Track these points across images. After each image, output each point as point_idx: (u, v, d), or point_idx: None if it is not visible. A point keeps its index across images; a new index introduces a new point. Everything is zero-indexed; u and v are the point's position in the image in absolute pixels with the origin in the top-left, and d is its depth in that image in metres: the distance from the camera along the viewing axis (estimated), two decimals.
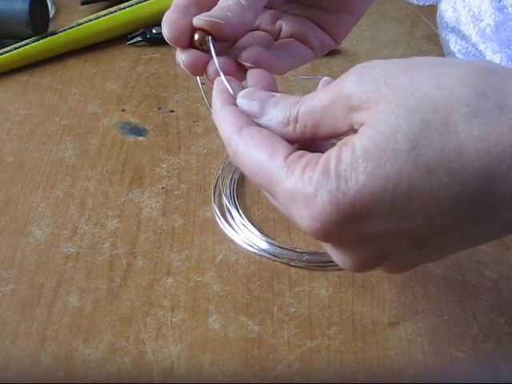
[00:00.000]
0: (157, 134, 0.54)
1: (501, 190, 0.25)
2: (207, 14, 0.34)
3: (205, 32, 0.34)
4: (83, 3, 0.71)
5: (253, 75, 0.34)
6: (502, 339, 0.38)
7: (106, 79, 0.60)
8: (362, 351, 0.38)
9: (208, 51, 0.34)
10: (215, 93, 0.33)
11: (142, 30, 0.65)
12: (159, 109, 0.57)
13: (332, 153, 0.27)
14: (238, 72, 0.35)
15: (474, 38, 0.53)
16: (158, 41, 0.64)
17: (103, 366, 0.37)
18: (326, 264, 0.42)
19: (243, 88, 0.33)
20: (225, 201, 0.47)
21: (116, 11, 0.65)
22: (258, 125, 0.31)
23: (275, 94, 0.31)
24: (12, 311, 0.40)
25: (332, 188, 0.26)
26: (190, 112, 0.56)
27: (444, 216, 0.26)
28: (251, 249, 0.44)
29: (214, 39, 0.34)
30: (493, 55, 0.51)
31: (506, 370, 0.37)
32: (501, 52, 0.50)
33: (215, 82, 0.34)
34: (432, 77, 0.26)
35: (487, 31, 0.51)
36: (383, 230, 0.27)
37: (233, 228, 0.45)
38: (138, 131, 0.54)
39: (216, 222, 0.46)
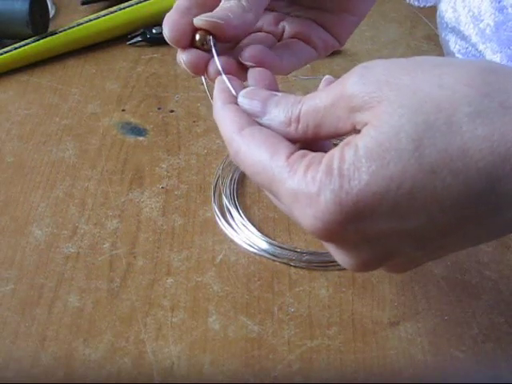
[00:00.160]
0: (157, 133, 0.54)
1: (504, 189, 0.25)
2: (208, 14, 0.34)
3: (206, 32, 0.34)
4: (83, 3, 0.71)
5: (254, 74, 0.34)
6: (502, 339, 0.38)
7: (106, 79, 0.60)
8: (362, 351, 0.38)
9: (209, 51, 0.34)
10: (216, 92, 0.33)
11: (142, 30, 0.65)
12: (159, 109, 0.57)
13: (335, 153, 0.27)
14: (240, 72, 0.35)
15: (474, 39, 0.53)
16: (158, 41, 0.64)
17: (103, 366, 0.37)
18: (326, 264, 0.42)
19: (244, 87, 0.33)
20: (225, 201, 0.47)
21: (116, 11, 0.65)
22: (260, 124, 0.31)
23: (277, 93, 0.31)
24: (12, 311, 0.40)
25: (335, 187, 0.26)
26: (190, 112, 0.56)
27: (447, 215, 0.26)
28: (251, 249, 0.44)
29: (216, 39, 0.34)
30: (493, 55, 0.51)
31: (506, 369, 0.37)
32: (501, 52, 0.50)
33: (216, 81, 0.34)
34: (434, 76, 0.26)
35: (487, 31, 0.51)
36: (386, 230, 0.27)
37: (233, 228, 0.45)
38: (137, 131, 0.54)
39: (216, 222, 0.46)
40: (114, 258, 0.43)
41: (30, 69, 0.61)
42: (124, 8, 0.65)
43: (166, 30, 0.34)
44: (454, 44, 0.56)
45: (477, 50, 0.53)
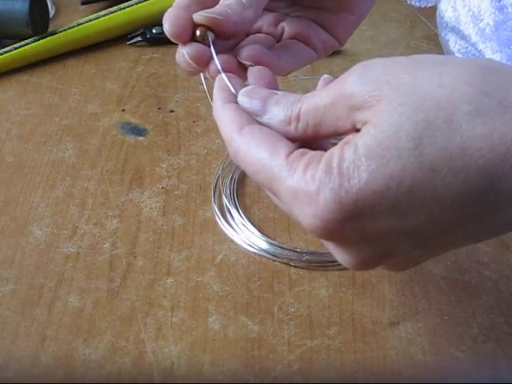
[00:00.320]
0: (157, 134, 0.54)
1: (504, 187, 0.25)
2: (208, 10, 0.34)
3: (206, 28, 0.34)
4: (83, 3, 0.71)
5: (253, 72, 0.34)
6: (502, 339, 0.38)
7: (106, 79, 0.60)
8: (362, 351, 0.38)
9: (210, 46, 0.34)
10: (216, 91, 0.33)
11: (142, 30, 0.65)
12: (159, 109, 0.57)
13: (334, 151, 0.27)
14: (240, 71, 0.35)
15: (474, 38, 0.53)
16: (158, 41, 0.64)
17: (103, 366, 0.37)
18: (326, 264, 0.42)
19: (244, 86, 0.33)
20: (225, 201, 0.47)
21: (116, 11, 0.65)
22: (260, 123, 0.31)
23: (276, 91, 0.31)
24: (12, 311, 0.39)
25: (335, 186, 0.26)
26: (190, 112, 0.56)
27: (446, 214, 0.26)
28: (251, 249, 0.44)
29: (216, 36, 0.34)
30: (492, 55, 0.51)
31: (506, 369, 0.37)
32: (500, 52, 0.50)
33: (216, 79, 0.34)
34: (433, 75, 0.26)
35: (487, 31, 0.51)
36: (386, 228, 0.27)
37: (233, 228, 0.45)
38: (137, 131, 0.54)
39: (216, 222, 0.46)
40: (114, 257, 0.43)
41: (30, 69, 0.62)
42: (124, 8, 0.65)
43: (167, 25, 0.34)
44: (453, 43, 0.56)
45: (477, 49, 0.53)
